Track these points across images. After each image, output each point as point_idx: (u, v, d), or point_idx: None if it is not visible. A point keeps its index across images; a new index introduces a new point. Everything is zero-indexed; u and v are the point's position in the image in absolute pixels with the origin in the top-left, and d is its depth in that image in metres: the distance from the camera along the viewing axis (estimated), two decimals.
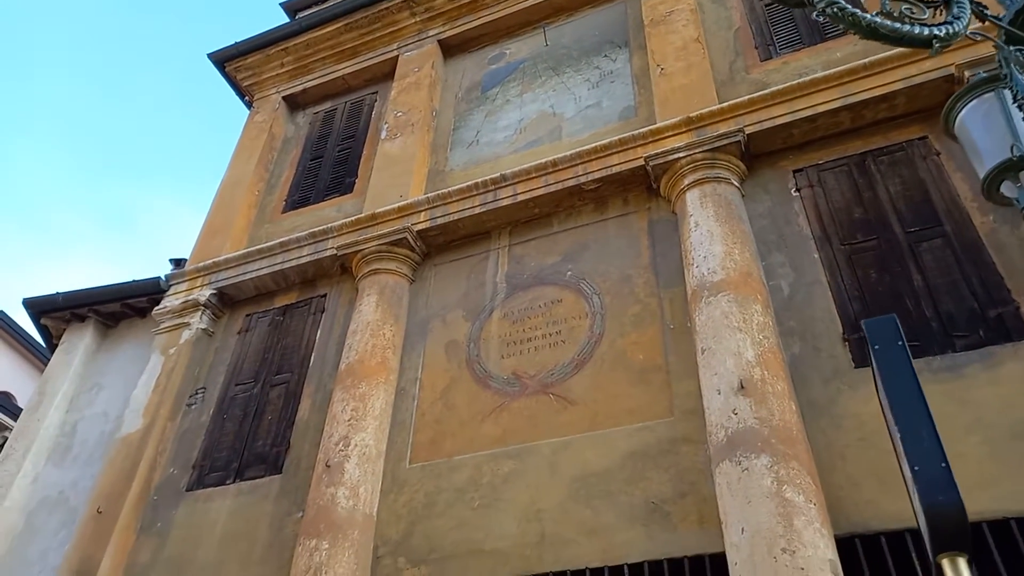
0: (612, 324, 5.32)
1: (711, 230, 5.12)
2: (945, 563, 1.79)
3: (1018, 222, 4.47)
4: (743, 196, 5.46)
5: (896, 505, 3.77)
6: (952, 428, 3.85)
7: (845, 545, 3.75)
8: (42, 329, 7.81)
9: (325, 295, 6.83)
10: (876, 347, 1.88)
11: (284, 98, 9.00)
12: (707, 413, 4.41)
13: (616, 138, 6.03)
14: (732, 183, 5.47)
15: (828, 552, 3.65)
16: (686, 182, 5.53)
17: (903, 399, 1.74)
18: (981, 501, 3.58)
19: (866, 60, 5.35)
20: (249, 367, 6.54)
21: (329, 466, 5.15)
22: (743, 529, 3.81)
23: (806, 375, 4.44)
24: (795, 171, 5.47)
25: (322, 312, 6.68)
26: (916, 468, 1.63)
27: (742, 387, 4.26)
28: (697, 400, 4.59)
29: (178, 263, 7.73)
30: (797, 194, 5.34)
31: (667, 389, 4.79)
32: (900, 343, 1.85)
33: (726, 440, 4.16)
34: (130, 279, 7.44)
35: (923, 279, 4.50)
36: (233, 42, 9.12)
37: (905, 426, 1.70)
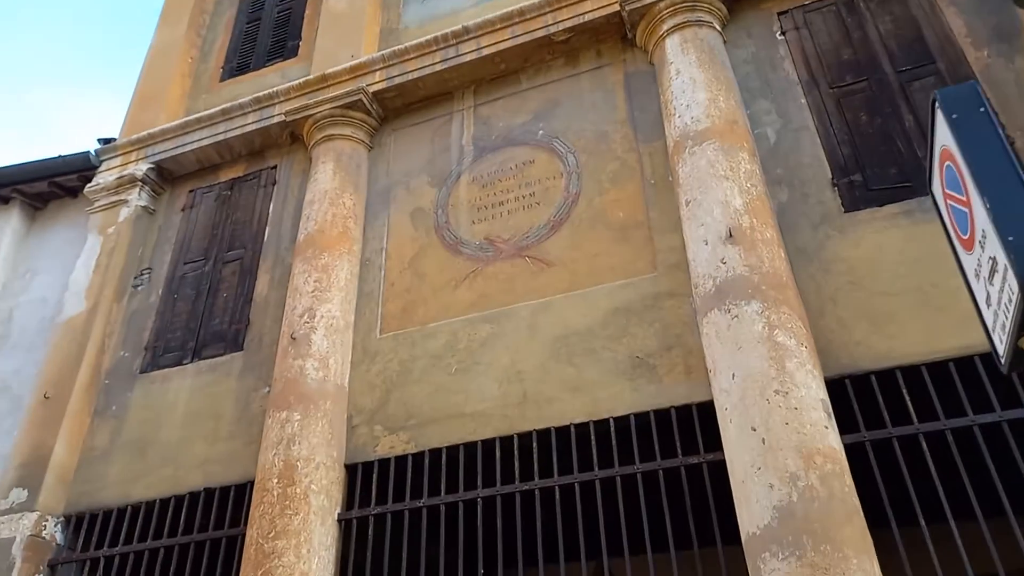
0: (589, 183, 5.04)
1: (693, 77, 4.79)
2: None
3: (1013, 56, 4.28)
4: (725, 42, 5.12)
5: (886, 344, 3.74)
6: (945, 265, 3.75)
7: (835, 387, 3.71)
8: None
9: (276, 166, 6.34)
10: (954, 116, 1.63)
11: None
12: (693, 265, 4.24)
13: None
14: (714, 27, 5.10)
15: (820, 392, 3.60)
16: (665, 28, 5.14)
17: (991, 166, 1.52)
18: (975, 334, 3.55)
19: None
20: (198, 245, 6.10)
21: (295, 338, 4.88)
22: (734, 375, 3.73)
23: (794, 222, 4.28)
24: (780, 13, 5.13)
25: (273, 184, 6.21)
26: (1010, 238, 1.43)
27: (730, 236, 4.09)
28: (681, 254, 4.41)
29: (107, 142, 7.05)
30: (782, 37, 5.02)
31: (649, 245, 4.60)
32: (983, 109, 1.61)
33: (714, 290, 4.01)
34: (56, 155, 6.76)
35: (915, 120, 4.32)
36: None
37: (995, 195, 1.48)
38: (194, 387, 5.26)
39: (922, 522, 3.32)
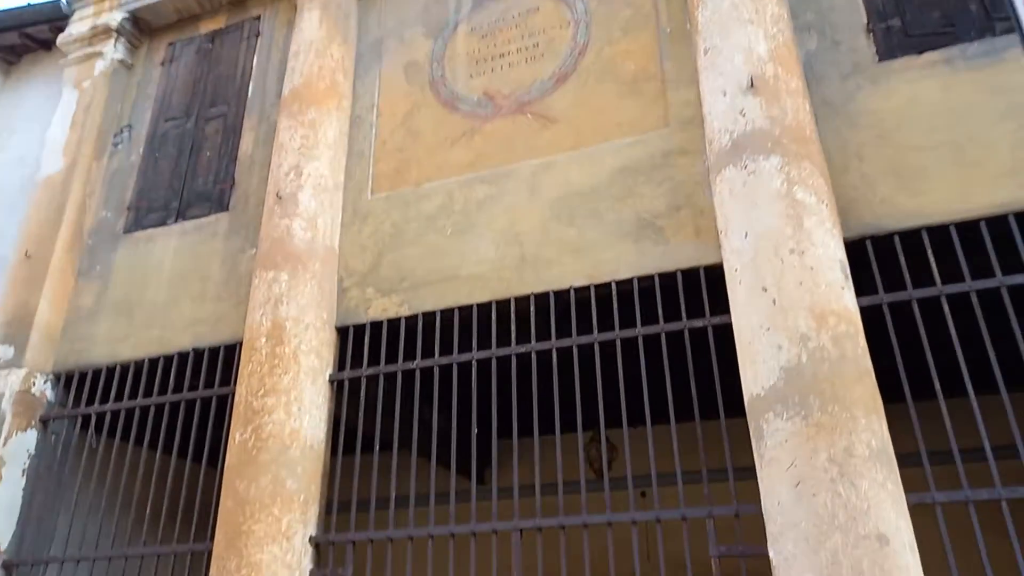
0: (599, 32, 4.61)
1: None
2: None
3: None
4: None
5: (914, 202, 3.46)
6: (984, 117, 3.45)
7: (855, 248, 3.48)
8: None
9: (259, 17, 5.86)
10: None
11: None
12: (708, 119, 3.90)
13: None
14: None
15: (839, 252, 3.36)
16: None
17: None
18: (1010, 190, 3.28)
19: None
20: (179, 101, 5.72)
21: (281, 197, 4.61)
22: (747, 234, 3.48)
23: (822, 72, 3.90)
24: None
25: (257, 36, 5.76)
26: None
27: (752, 85, 3.72)
28: (696, 109, 4.06)
29: None
30: None
31: (662, 99, 4.23)
32: None
33: (731, 144, 3.70)
34: (25, 3, 6.26)
35: None
36: None
37: None
38: (179, 248, 5.05)
39: (938, 387, 3.17)
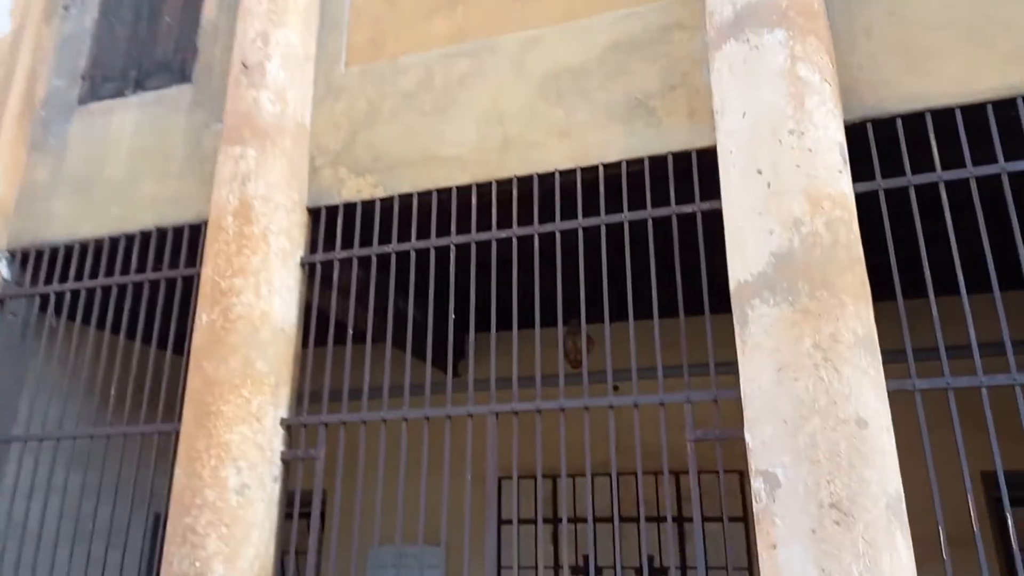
0: None
1: None
2: None
3: None
4: None
5: (920, 84, 3.28)
6: None
7: (856, 131, 3.31)
8: None
9: None
10: None
11: None
12: None
13: None
14: None
15: (839, 135, 3.20)
16: None
17: None
18: (1022, 72, 3.11)
19: None
20: None
21: (247, 66, 4.29)
22: (744, 113, 3.29)
23: None
24: None
25: None
26: None
27: None
28: None
29: None
30: None
31: None
32: None
33: (733, 17, 3.44)
34: None
35: None
36: None
37: None
38: (139, 122, 4.74)
39: (928, 277, 3.10)
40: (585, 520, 3.67)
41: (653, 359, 3.38)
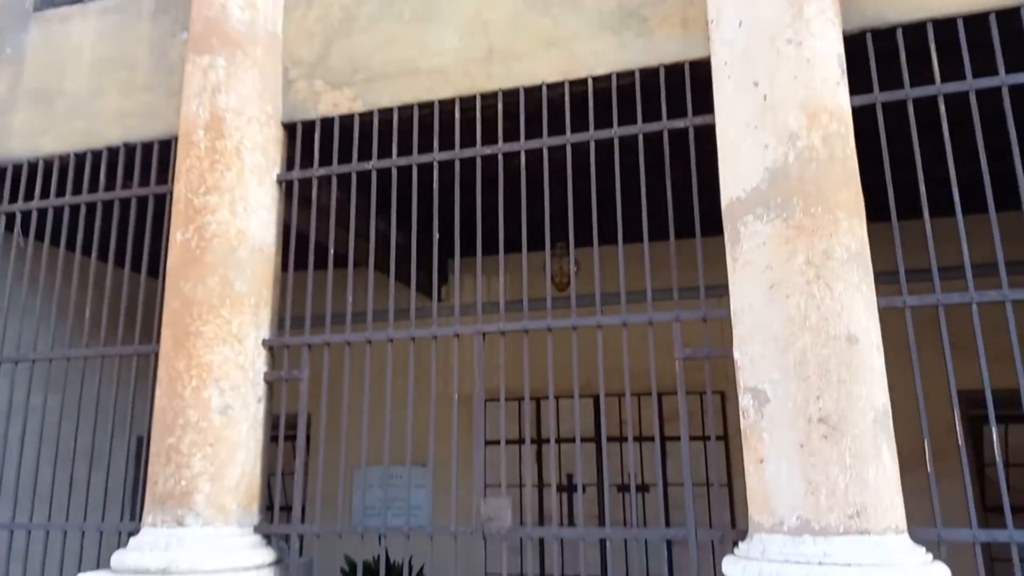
0: None
1: None
2: None
3: None
4: None
5: None
6: None
7: (855, 42, 3.19)
8: None
9: None
10: None
11: None
12: None
13: None
14: None
15: (838, 46, 3.08)
16: None
17: None
18: None
19: None
20: None
21: None
22: (741, 22, 3.14)
23: None
24: None
25: None
26: None
27: None
28: None
29: None
30: None
31: None
32: None
33: None
34: None
35: None
36: None
37: None
38: (100, 30, 4.45)
39: (923, 191, 3.05)
40: (572, 440, 3.69)
41: (642, 283, 3.32)
